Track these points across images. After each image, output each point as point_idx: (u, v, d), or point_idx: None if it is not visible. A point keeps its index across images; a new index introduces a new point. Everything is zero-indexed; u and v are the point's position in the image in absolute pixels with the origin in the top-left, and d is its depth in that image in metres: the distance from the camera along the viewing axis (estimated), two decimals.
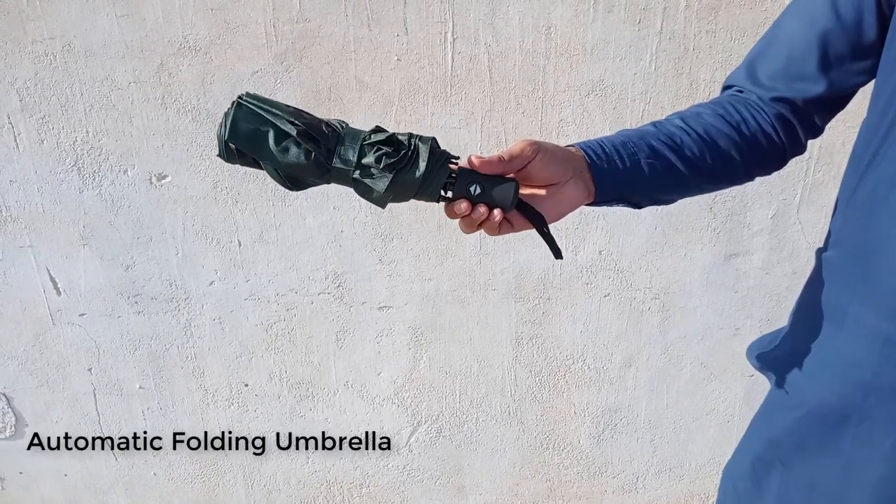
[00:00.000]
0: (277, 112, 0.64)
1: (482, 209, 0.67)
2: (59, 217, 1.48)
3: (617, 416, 1.74)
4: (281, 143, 0.64)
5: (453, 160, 0.68)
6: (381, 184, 0.65)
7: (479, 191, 0.67)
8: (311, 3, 1.35)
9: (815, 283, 0.78)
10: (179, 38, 1.37)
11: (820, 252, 0.80)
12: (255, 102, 0.65)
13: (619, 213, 1.52)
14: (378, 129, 0.66)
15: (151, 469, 1.76)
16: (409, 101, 1.43)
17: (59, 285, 1.55)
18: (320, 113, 1.42)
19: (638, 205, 0.77)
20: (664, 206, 1.50)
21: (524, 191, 0.71)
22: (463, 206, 0.67)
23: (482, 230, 0.70)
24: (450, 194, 0.68)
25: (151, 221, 1.50)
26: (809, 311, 0.79)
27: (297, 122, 0.64)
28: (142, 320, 1.59)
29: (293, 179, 0.66)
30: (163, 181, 1.47)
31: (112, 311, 1.57)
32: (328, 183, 0.66)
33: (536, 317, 1.62)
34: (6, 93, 1.39)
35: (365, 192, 0.66)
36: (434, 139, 0.67)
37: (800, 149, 0.81)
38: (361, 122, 1.43)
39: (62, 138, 1.43)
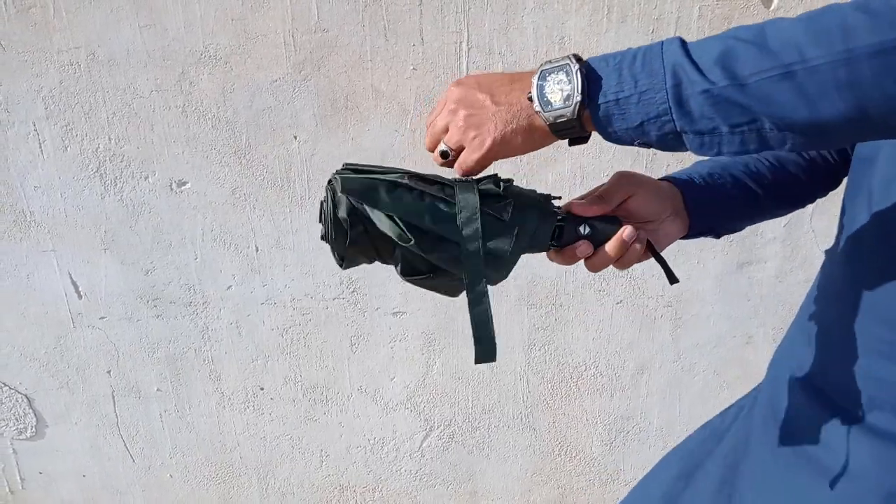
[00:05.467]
0: (378, 168, 0.63)
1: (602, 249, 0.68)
2: (81, 222, 1.52)
3: (629, 424, 1.75)
4: (393, 192, 0.61)
5: (553, 200, 0.68)
6: (506, 240, 0.63)
7: (588, 230, 0.67)
8: (329, 14, 1.38)
9: (814, 285, 0.80)
10: (200, 48, 1.40)
11: (826, 252, 0.83)
12: (353, 165, 0.63)
13: None
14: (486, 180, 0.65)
15: (168, 471, 1.79)
16: (424, 110, 1.45)
17: (80, 289, 1.58)
18: (336, 121, 1.45)
19: (719, 234, 0.80)
20: None
21: None
22: (582, 247, 0.68)
23: (619, 265, 0.70)
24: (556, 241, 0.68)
25: (171, 227, 1.53)
26: (806, 311, 0.80)
27: (400, 170, 0.63)
28: (160, 324, 1.61)
29: (422, 243, 0.61)
30: (182, 187, 1.50)
31: (132, 314, 1.60)
32: (451, 236, 0.62)
33: (549, 323, 1.63)
34: (32, 101, 1.43)
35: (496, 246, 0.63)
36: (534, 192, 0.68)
37: (850, 163, 0.84)
38: (377, 129, 1.46)
39: (85, 145, 1.46)
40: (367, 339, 1.64)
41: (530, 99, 0.61)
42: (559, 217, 0.68)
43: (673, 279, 0.73)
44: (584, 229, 0.67)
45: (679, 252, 1.57)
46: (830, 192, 0.86)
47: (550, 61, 0.60)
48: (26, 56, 1.39)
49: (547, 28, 1.40)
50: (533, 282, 1.59)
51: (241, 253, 1.55)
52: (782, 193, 0.79)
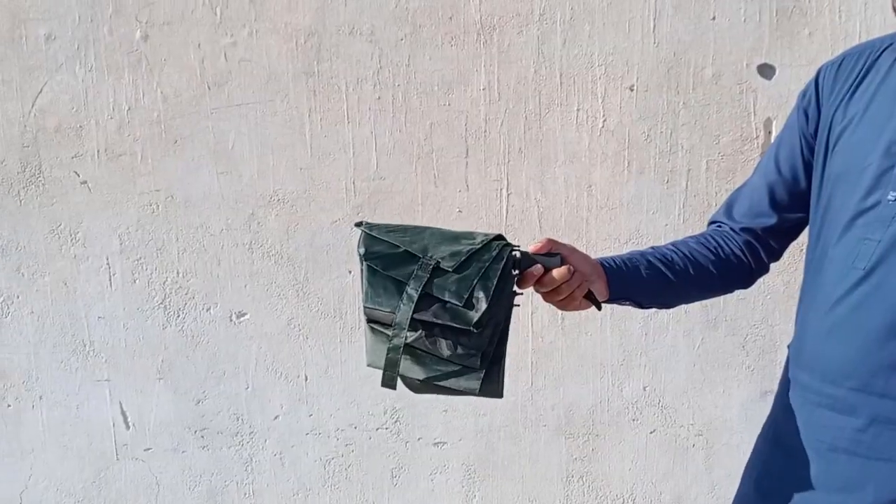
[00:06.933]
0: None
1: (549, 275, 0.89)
2: (140, 352, 1.58)
3: None
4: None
5: (514, 248, 0.89)
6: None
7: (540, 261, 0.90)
8: (386, 164, 1.57)
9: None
10: (270, 192, 1.56)
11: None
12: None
13: (659, 351, 1.64)
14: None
15: None
16: None
17: (128, 419, 1.60)
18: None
19: (641, 304, 1.01)
20: (700, 344, 1.64)
21: None
22: (537, 267, 0.88)
23: (562, 303, 0.90)
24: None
25: (226, 357, 1.59)
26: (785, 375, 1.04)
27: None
28: (205, 455, 1.62)
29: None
30: (242, 318, 1.59)
31: (178, 445, 1.61)
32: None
33: (586, 453, 1.67)
34: (109, 238, 1.55)
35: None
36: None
37: (763, 267, 1.06)
38: None
39: (154, 278, 1.57)
40: (407, 470, 1.65)
41: None
42: (515, 250, 0.88)
43: (598, 306, 0.94)
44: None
45: (705, 381, 1.66)
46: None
47: None
48: (109, 197, 1.54)
49: (576, 178, 1.60)
50: (570, 410, 1.65)
51: (291, 382, 1.61)
52: (692, 279, 1.00)
